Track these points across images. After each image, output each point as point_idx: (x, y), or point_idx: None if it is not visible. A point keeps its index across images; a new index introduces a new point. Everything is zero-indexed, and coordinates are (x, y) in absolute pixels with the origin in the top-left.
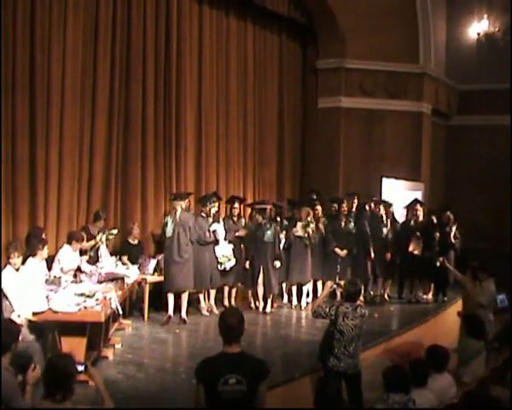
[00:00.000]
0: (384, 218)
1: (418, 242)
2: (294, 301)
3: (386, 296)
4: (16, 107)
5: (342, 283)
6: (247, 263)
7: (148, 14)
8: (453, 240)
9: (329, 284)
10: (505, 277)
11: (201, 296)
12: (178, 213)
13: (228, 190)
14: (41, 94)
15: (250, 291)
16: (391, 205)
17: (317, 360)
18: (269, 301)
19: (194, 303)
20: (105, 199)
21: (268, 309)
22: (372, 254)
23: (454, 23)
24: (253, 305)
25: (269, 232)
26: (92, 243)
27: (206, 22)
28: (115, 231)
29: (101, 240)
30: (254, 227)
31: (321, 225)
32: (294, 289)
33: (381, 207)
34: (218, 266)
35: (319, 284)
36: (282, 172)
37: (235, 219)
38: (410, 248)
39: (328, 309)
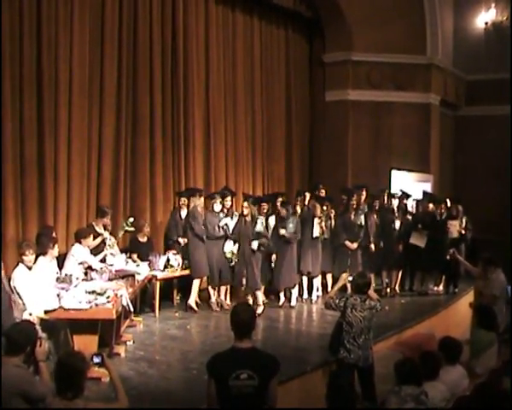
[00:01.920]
0: (396, 210)
1: (421, 234)
2: (305, 295)
3: (396, 289)
4: (24, 107)
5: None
6: (274, 257)
7: (155, 11)
8: (463, 231)
9: (345, 275)
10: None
11: (212, 292)
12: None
13: (237, 186)
14: (49, 94)
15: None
16: (409, 196)
17: (328, 352)
18: (293, 293)
19: (204, 298)
20: (114, 197)
21: (293, 303)
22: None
23: (461, 13)
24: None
25: (291, 226)
26: (99, 240)
27: (213, 18)
28: (132, 219)
29: (123, 229)
30: (277, 221)
31: (332, 219)
32: (305, 283)
33: (393, 200)
34: (227, 261)
35: (329, 277)
36: (290, 167)
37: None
38: (411, 240)
39: (338, 301)
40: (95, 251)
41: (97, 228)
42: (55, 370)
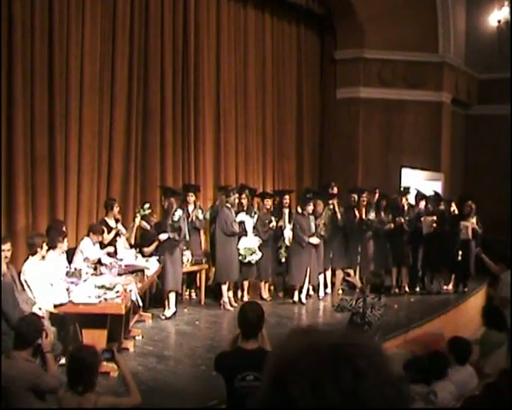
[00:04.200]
0: (406, 208)
1: (428, 220)
2: (311, 292)
3: (406, 287)
4: (35, 102)
5: (352, 272)
6: (292, 253)
7: (166, 7)
8: (475, 229)
9: (341, 274)
10: None
11: (224, 288)
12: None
13: (247, 182)
14: (60, 89)
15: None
16: (425, 197)
17: None
18: (304, 290)
19: (210, 295)
20: (124, 192)
21: (304, 299)
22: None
23: (474, 11)
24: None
25: (312, 224)
26: (113, 234)
27: (224, 14)
28: (148, 205)
29: (139, 215)
30: (296, 217)
31: (339, 216)
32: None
33: (404, 198)
34: (240, 258)
35: (338, 273)
36: (301, 164)
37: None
38: (424, 231)
39: (354, 302)
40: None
41: (109, 222)
42: (67, 364)
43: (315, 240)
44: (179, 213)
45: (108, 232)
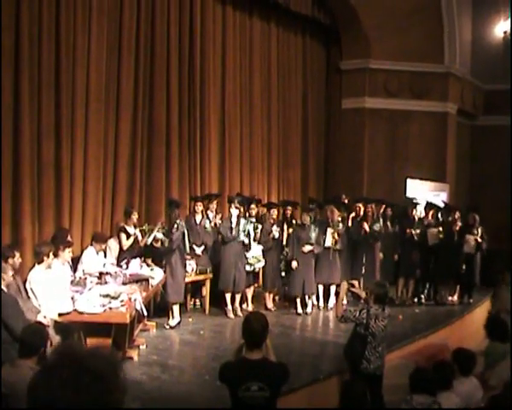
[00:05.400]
0: (416, 219)
1: (434, 231)
2: (321, 303)
3: (411, 298)
4: (42, 110)
5: (356, 283)
6: (294, 264)
7: (172, 17)
8: (479, 241)
9: (345, 285)
10: None
11: (228, 297)
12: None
13: (252, 192)
14: (66, 98)
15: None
16: (435, 207)
17: (346, 362)
18: (310, 301)
19: (215, 304)
20: (129, 201)
21: (309, 310)
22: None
23: (480, 22)
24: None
25: (313, 235)
26: (131, 240)
27: (230, 24)
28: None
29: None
30: (297, 228)
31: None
32: (321, 291)
33: (414, 209)
34: (248, 266)
35: (343, 284)
36: (306, 174)
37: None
38: (430, 243)
39: (358, 313)
40: (130, 250)
41: (129, 229)
42: None
43: (306, 248)
44: (180, 223)
45: (127, 239)
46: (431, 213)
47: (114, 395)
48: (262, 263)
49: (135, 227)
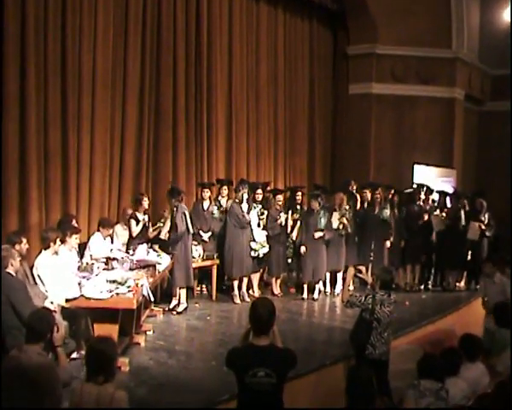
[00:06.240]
0: (423, 205)
1: (438, 218)
2: (328, 288)
3: (417, 284)
4: (48, 98)
5: (363, 269)
6: (303, 249)
7: (178, 2)
8: (484, 228)
9: (352, 271)
10: None
11: (235, 283)
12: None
13: (258, 178)
14: (72, 84)
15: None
16: (447, 195)
17: (352, 348)
18: (317, 287)
19: (221, 290)
20: (136, 187)
21: (316, 296)
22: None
23: (488, 6)
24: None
25: (323, 220)
26: (140, 225)
27: (237, 9)
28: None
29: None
30: (305, 214)
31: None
32: (328, 276)
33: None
34: (252, 252)
35: (350, 269)
36: (313, 160)
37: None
38: (436, 229)
39: (363, 298)
40: (139, 236)
41: (139, 215)
42: (86, 355)
43: (317, 234)
44: (179, 205)
45: (137, 225)
46: (435, 198)
47: (50, 399)
48: (266, 249)
49: (144, 213)
